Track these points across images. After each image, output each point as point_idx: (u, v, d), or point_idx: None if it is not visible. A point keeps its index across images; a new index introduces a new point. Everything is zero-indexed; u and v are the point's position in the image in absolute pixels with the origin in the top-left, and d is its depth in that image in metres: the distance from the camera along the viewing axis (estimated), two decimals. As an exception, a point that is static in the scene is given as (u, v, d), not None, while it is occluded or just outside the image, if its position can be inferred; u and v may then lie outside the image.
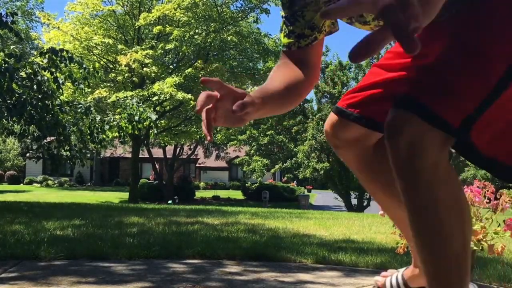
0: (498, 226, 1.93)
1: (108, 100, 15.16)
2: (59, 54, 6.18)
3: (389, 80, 1.31)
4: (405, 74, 1.27)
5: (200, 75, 16.96)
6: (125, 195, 22.49)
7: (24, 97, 5.98)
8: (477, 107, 0.97)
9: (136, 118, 7.33)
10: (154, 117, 7.86)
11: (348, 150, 1.41)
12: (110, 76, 17.50)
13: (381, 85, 1.33)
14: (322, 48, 1.31)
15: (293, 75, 1.23)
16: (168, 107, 18.89)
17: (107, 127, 7.37)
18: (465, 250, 1.03)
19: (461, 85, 0.99)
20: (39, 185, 32.74)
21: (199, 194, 29.03)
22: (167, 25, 17.32)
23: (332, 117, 1.39)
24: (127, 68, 16.71)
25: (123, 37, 19.16)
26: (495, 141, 1.05)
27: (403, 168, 0.99)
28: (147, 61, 16.48)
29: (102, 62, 18.24)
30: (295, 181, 37.82)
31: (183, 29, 16.90)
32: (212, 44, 17.74)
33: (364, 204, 25.19)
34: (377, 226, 4.68)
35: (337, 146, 1.42)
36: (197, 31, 17.25)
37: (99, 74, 7.95)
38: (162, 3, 18.11)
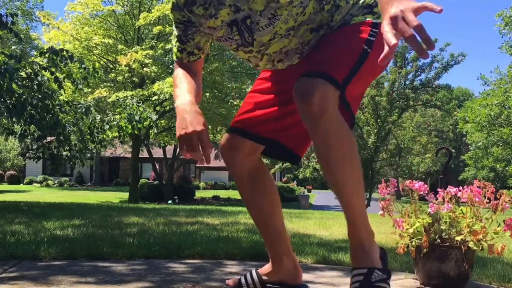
0: (498, 226, 1.93)
1: (108, 100, 15.14)
2: (59, 54, 6.18)
3: (265, 101, 1.70)
4: (274, 96, 1.70)
5: (200, 75, 16.94)
6: (125, 195, 22.48)
7: (24, 97, 5.98)
8: (349, 72, 1.43)
9: (137, 118, 7.33)
10: (154, 117, 7.86)
11: (242, 165, 1.70)
12: (110, 76, 17.49)
13: (260, 105, 1.70)
14: (203, 61, 1.74)
15: (194, 83, 1.62)
16: (168, 107, 18.88)
17: (107, 127, 7.37)
18: (359, 163, 1.51)
19: (339, 59, 1.45)
20: (39, 185, 32.74)
21: (199, 194, 29.03)
22: (167, 25, 17.31)
23: (226, 136, 1.71)
24: (127, 68, 16.70)
25: (123, 37, 19.16)
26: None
27: (318, 120, 1.36)
28: (147, 61, 16.47)
29: (102, 62, 18.23)
30: (295, 181, 37.81)
31: (183, 29, 16.90)
32: (212, 44, 17.72)
33: (364, 204, 25.19)
34: (377, 226, 4.67)
35: (232, 162, 1.71)
36: (197, 31, 17.25)
37: (99, 74, 7.94)
38: (162, 3, 18.10)
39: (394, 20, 1.11)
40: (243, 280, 1.78)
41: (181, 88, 1.59)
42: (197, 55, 1.67)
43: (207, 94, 17.56)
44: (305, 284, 1.82)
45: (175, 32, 1.65)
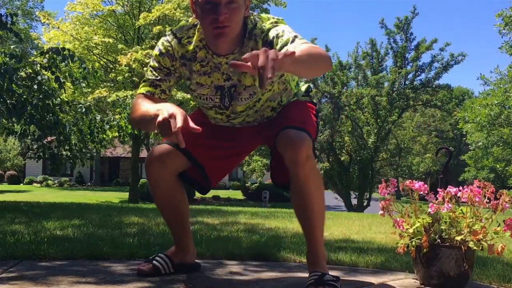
0: (498, 226, 1.93)
1: (108, 100, 15.14)
2: (60, 53, 6.17)
3: (209, 131, 1.94)
4: (217, 133, 2.02)
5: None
6: (125, 195, 22.48)
7: (24, 97, 5.98)
8: (315, 132, 1.96)
9: (137, 117, 7.32)
10: (154, 116, 7.84)
11: (163, 174, 1.90)
12: (110, 76, 17.49)
13: (204, 134, 1.74)
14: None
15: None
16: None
17: (107, 126, 7.37)
18: (324, 196, 1.89)
19: (309, 121, 1.92)
20: (39, 185, 32.73)
21: (199, 194, 28.97)
22: (167, 25, 17.30)
23: (164, 146, 1.90)
24: (127, 68, 16.69)
25: (123, 37, 19.15)
26: None
27: (303, 165, 1.72)
28: (147, 60, 16.45)
29: (102, 62, 18.23)
30: (295, 181, 37.76)
31: (183, 29, 16.89)
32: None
33: (364, 204, 25.19)
34: (377, 226, 4.67)
35: (158, 169, 1.89)
36: (197, 31, 17.24)
37: (98, 74, 7.93)
38: (162, 3, 18.09)
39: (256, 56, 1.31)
40: (157, 264, 2.00)
41: (150, 104, 1.73)
42: (168, 94, 1.89)
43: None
44: (199, 263, 2.17)
45: (152, 74, 1.85)
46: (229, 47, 1.78)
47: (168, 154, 1.87)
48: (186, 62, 1.83)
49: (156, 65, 1.84)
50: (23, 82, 6.17)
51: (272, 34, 1.77)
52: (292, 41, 1.69)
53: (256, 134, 2.04)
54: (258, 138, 2.07)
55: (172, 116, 1.50)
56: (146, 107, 1.70)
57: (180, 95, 15.52)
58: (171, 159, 1.88)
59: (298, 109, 1.96)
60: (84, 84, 7.09)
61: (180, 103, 17.23)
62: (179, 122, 1.47)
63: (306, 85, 2.11)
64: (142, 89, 1.85)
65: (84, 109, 7.10)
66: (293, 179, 1.79)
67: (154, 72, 1.85)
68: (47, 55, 6.27)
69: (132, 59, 16.21)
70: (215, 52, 1.80)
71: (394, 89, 24.46)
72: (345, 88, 24.55)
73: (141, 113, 1.71)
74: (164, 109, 1.53)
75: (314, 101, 2.12)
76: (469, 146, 27.19)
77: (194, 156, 1.93)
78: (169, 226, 2.12)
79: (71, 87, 7.92)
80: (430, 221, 1.96)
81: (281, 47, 1.69)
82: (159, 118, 1.51)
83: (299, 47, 1.58)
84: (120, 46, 17.44)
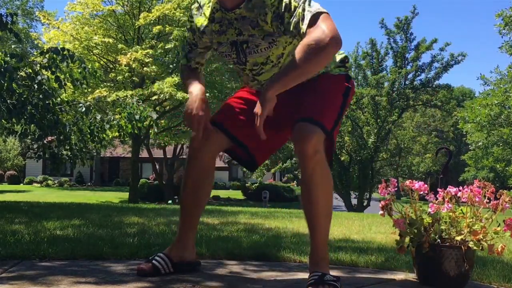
0: (498, 226, 1.93)
1: (108, 99, 15.14)
2: (60, 53, 6.16)
3: (247, 109, 1.99)
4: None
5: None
6: (125, 195, 22.48)
7: (25, 96, 5.97)
8: (334, 122, 1.90)
9: (137, 117, 7.31)
10: (154, 115, 7.83)
11: (203, 155, 2.02)
12: (110, 76, 17.48)
13: (242, 111, 2.07)
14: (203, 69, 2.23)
15: (201, 77, 2.13)
16: (168, 107, 18.87)
17: (107, 126, 7.36)
18: (332, 195, 1.96)
19: (327, 110, 1.90)
20: (39, 185, 32.73)
21: (199, 194, 28.94)
22: (167, 25, 17.30)
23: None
24: (127, 67, 16.69)
25: (123, 37, 19.14)
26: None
27: (311, 159, 1.79)
28: (147, 60, 16.46)
29: (102, 62, 18.22)
30: (295, 181, 37.81)
31: (183, 29, 16.87)
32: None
33: (364, 204, 25.20)
34: (377, 226, 4.67)
35: (198, 150, 2.02)
36: (197, 31, 17.23)
37: (98, 74, 7.91)
38: (162, 3, 18.09)
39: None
40: (157, 264, 2.01)
41: (193, 78, 2.06)
42: (202, 65, 2.18)
43: (207, 94, 17.54)
44: (198, 261, 2.18)
45: (186, 48, 2.14)
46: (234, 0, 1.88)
47: (212, 132, 2.00)
48: (205, 29, 2.00)
49: (187, 39, 2.13)
50: (23, 82, 6.16)
51: (282, 6, 1.81)
52: (296, 27, 1.78)
53: (289, 110, 1.99)
54: (291, 114, 2.01)
55: (195, 116, 1.90)
56: (186, 81, 2.08)
57: (180, 95, 15.51)
58: (214, 136, 2.00)
59: (322, 92, 1.95)
60: (84, 86, 7.09)
61: (180, 103, 17.25)
62: (202, 125, 1.91)
63: (342, 55, 2.06)
64: (181, 61, 2.19)
65: (84, 109, 7.09)
66: (302, 171, 1.87)
67: (187, 46, 2.13)
68: (47, 55, 6.26)
69: (132, 59, 16.21)
70: (223, 6, 1.91)
71: (394, 89, 24.46)
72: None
73: (185, 84, 2.10)
74: (195, 104, 1.92)
75: (350, 73, 2.08)
76: (469, 146, 27.19)
77: (235, 135, 2.03)
78: (181, 214, 2.13)
79: (71, 87, 7.89)
80: (430, 221, 1.96)
81: (291, 25, 1.80)
82: (187, 111, 1.92)
83: (293, 54, 1.77)
84: (120, 46, 17.44)
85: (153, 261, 2.02)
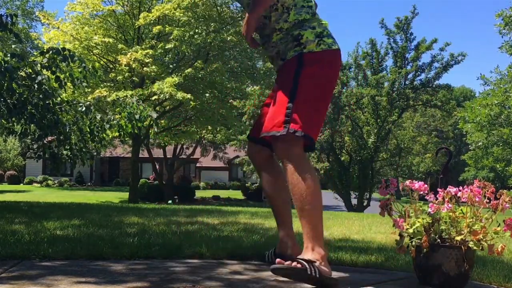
0: (498, 226, 1.93)
1: (108, 99, 15.14)
2: (61, 53, 6.16)
3: (266, 108, 2.25)
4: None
5: (200, 75, 16.94)
6: (125, 195, 22.48)
7: (25, 96, 5.97)
8: (286, 113, 2.01)
9: (137, 116, 7.31)
10: (154, 115, 7.83)
11: (258, 160, 2.33)
12: (110, 76, 17.47)
13: (264, 112, 2.27)
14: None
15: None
16: (168, 107, 18.86)
17: (107, 126, 7.35)
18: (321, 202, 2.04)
19: (276, 113, 2.04)
20: (39, 185, 32.73)
21: (199, 194, 29.01)
22: (167, 25, 17.29)
23: (248, 144, 2.39)
24: (127, 67, 16.68)
25: (123, 37, 19.13)
26: None
27: (297, 167, 1.97)
28: (147, 60, 16.45)
29: (102, 62, 18.21)
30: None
31: (183, 29, 16.87)
32: (212, 44, 17.71)
33: (364, 204, 25.19)
34: (377, 226, 4.67)
35: (252, 159, 2.38)
36: (197, 31, 17.20)
37: (98, 74, 7.91)
38: (162, 3, 18.07)
39: None
40: (266, 252, 2.36)
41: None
42: None
43: (207, 94, 17.54)
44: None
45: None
46: None
47: (252, 144, 2.33)
48: None
49: None
50: (23, 81, 6.16)
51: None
52: None
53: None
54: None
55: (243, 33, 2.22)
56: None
57: (180, 95, 15.51)
58: (252, 147, 2.32)
59: (278, 89, 2.12)
60: (84, 84, 7.08)
61: (180, 103, 17.26)
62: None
63: (314, 30, 2.10)
64: None
65: (84, 109, 7.09)
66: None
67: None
68: (47, 55, 6.26)
69: (132, 59, 16.20)
70: None
71: (394, 89, 24.46)
72: (345, 88, 24.57)
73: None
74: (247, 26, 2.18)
75: (313, 47, 2.05)
76: (469, 146, 27.18)
77: (257, 137, 2.24)
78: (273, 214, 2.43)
79: (71, 87, 7.89)
80: (430, 221, 1.96)
81: None
82: (244, 28, 2.18)
83: None
84: (120, 46, 17.43)
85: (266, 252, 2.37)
